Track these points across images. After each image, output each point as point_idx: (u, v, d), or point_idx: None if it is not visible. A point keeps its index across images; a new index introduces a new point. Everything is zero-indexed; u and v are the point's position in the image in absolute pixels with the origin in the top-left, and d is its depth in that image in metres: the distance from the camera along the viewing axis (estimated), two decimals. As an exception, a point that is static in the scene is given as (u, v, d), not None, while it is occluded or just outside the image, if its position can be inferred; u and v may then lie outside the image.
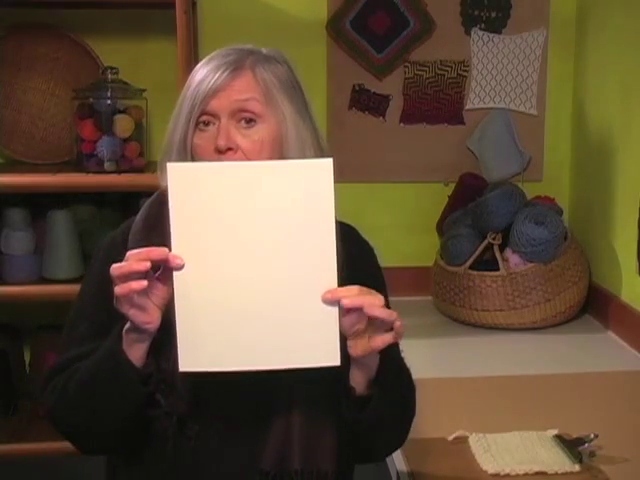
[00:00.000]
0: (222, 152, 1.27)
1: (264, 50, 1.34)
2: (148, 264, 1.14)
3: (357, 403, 1.24)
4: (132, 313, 1.16)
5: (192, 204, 1.15)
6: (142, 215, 1.36)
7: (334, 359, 1.16)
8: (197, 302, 1.16)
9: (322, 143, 1.36)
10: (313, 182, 1.14)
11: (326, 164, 1.14)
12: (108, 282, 1.29)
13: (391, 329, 1.17)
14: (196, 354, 1.17)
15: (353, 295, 1.15)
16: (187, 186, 1.15)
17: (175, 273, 1.16)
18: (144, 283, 1.14)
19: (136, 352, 1.21)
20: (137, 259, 1.14)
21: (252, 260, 1.15)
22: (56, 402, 1.29)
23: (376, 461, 1.46)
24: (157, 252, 1.15)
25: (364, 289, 1.16)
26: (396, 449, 1.44)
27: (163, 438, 1.27)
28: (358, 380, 1.24)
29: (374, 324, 1.16)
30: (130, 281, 1.14)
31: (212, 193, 1.15)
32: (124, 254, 1.26)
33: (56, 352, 1.38)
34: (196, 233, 1.15)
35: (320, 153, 1.34)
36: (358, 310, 1.15)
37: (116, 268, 1.15)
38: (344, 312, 1.16)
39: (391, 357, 1.25)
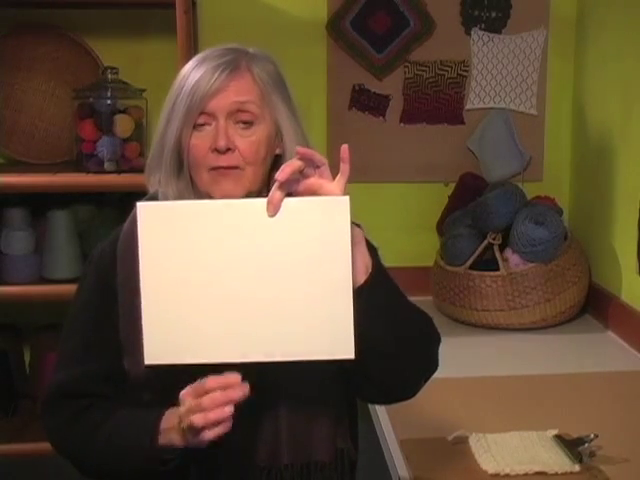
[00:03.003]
0: (222, 152, 1.27)
1: (251, 50, 1.34)
2: (232, 409, 1.16)
3: (355, 296, 1.21)
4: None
5: (166, 245, 1.18)
6: (129, 225, 1.36)
7: (349, 352, 1.17)
8: (168, 296, 1.18)
9: (307, 136, 1.37)
10: (329, 219, 1.17)
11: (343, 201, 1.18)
12: (98, 298, 1.32)
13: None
14: (163, 347, 1.19)
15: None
16: (160, 227, 1.18)
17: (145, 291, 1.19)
18: (229, 424, 1.16)
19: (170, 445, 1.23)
20: (218, 405, 1.15)
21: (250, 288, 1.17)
22: (74, 447, 1.33)
23: (407, 391, 1.35)
24: (237, 393, 1.16)
25: None
26: (422, 373, 1.33)
27: None
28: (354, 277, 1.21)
29: (323, 181, 1.20)
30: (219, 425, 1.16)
31: (185, 229, 1.17)
32: (114, 266, 1.30)
33: (53, 369, 1.39)
34: (171, 271, 1.18)
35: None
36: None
37: (201, 418, 1.15)
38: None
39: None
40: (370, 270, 1.22)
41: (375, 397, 1.40)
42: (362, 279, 1.21)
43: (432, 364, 1.33)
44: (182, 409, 1.18)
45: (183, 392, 1.18)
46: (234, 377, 1.16)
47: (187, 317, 1.18)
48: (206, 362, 1.18)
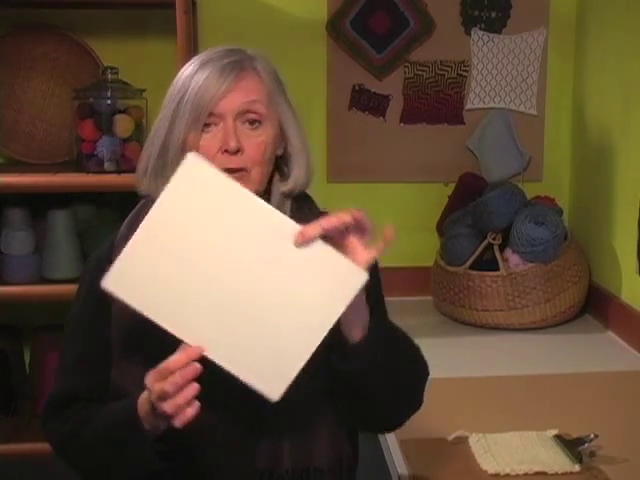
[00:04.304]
0: (232, 153, 1.26)
1: (249, 50, 1.33)
2: (195, 389, 1.13)
3: (349, 353, 1.21)
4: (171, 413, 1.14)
5: (188, 204, 1.15)
6: (126, 228, 1.36)
7: (275, 394, 1.15)
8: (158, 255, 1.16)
9: (306, 137, 1.37)
10: (340, 281, 1.15)
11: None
12: (93, 307, 1.31)
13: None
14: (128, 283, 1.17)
15: (325, 220, 1.15)
16: (194, 184, 1.15)
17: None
18: (196, 405, 1.13)
19: (156, 429, 1.20)
20: (180, 388, 1.12)
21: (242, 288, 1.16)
22: (67, 444, 1.33)
23: (385, 429, 1.39)
24: (190, 372, 1.13)
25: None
26: (407, 416, 1.36)
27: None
28: (350, 334, 1.21)
29: (353, 243, 1.17)
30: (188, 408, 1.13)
31: (213, 202, 1.15)
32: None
33: (54, 379, 1.39)
34: (178, 229, 1.16)
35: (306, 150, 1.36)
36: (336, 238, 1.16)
37: (170, 406, 1.13)
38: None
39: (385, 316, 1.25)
40: (365, 332, 1.21)
41: (360, 428, 1.41)
42: (358, 336, 1.21)
43: (419, 404, 1.35)
44: (152, 396, 1.15)
45: (148, 378, 1.16)
46: (194, 351, 1.14)
47: (168, 277, 1.16)
48: (164, 327, 1.16)
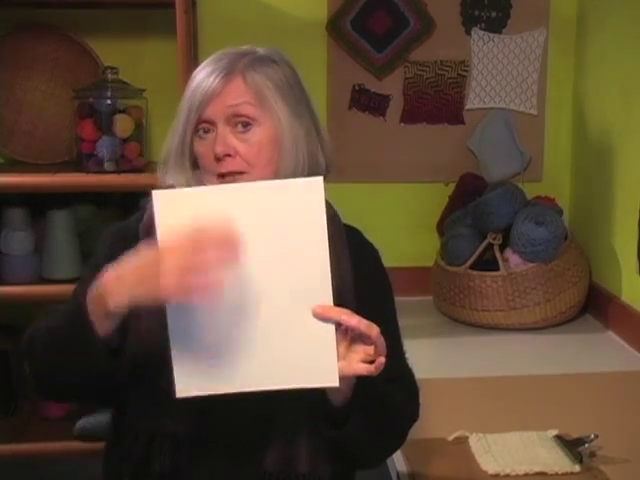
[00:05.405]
0: (220, 159, 1.26)
1: (260, 50, 1.33)
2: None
3: (335, 420, 1.22)
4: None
5: (180, 230, 1.12)
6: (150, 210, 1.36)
7: (333, 380, 1.14)
8: (191, 328, 1.14)
9: (324, 142, 1.35)
10: (304, 201, 1.11)
11: (316, 183, 1.11)
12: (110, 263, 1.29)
13: (372, 362, 1.14)
14: (192, 379, 1.16)
15: (347, 314, 1.13)
16: (174, 213, 1.12)
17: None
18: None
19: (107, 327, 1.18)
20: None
21: (245, 282, 1.13)
22: (29, 346, 1.36)
23: (371, 468, 1.42)
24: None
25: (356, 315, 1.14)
26: (391, 454, 1.43)
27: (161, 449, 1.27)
28: (334, 397, 1.21)
29: (354, 350, 1.15)
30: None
31: (200, 219, 1.11)
32: (135, 241, 1.25)
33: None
34: None
35: (319, 151, 1.34)
36: (342, 331, 1.14)
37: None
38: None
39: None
40: (347, 397, 1.20)
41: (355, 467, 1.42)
42: (339, 401, 1.21)
43: (403, 443, 1.37)
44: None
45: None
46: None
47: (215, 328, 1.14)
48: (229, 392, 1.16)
